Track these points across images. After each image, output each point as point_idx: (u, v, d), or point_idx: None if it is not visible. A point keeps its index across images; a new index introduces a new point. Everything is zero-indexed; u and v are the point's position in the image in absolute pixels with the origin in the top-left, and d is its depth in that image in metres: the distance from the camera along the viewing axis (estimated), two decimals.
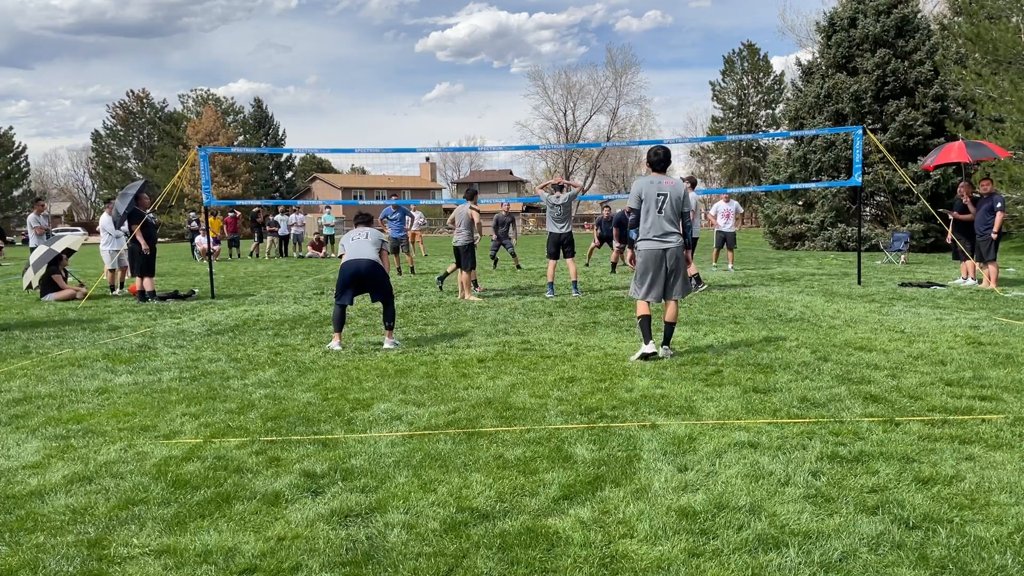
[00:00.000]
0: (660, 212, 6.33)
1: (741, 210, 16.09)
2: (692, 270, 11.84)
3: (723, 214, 15.23)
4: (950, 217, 12.23)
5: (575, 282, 11.64)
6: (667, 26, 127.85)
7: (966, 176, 14.57)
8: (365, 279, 7.36)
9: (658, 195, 6.33)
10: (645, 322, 6.40)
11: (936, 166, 15.90)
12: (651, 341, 6.37)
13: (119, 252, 12.83)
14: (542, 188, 11.88)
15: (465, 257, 11.31)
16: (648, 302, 6.44)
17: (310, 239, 27.44)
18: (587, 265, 17.44)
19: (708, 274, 14.45)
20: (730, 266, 15.80)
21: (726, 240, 15.50)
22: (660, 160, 6.46)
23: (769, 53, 77.76)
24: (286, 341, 7.85)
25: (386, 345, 7.41)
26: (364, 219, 7.88)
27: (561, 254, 11.48)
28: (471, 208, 11.33)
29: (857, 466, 3.73)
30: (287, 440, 4.40)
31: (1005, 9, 19.02)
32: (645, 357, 6.32)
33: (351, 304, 7.50)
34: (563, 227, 11.38)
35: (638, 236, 6.51)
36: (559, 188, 11.49)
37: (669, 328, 6.55)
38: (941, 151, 13.49)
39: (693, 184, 12.15)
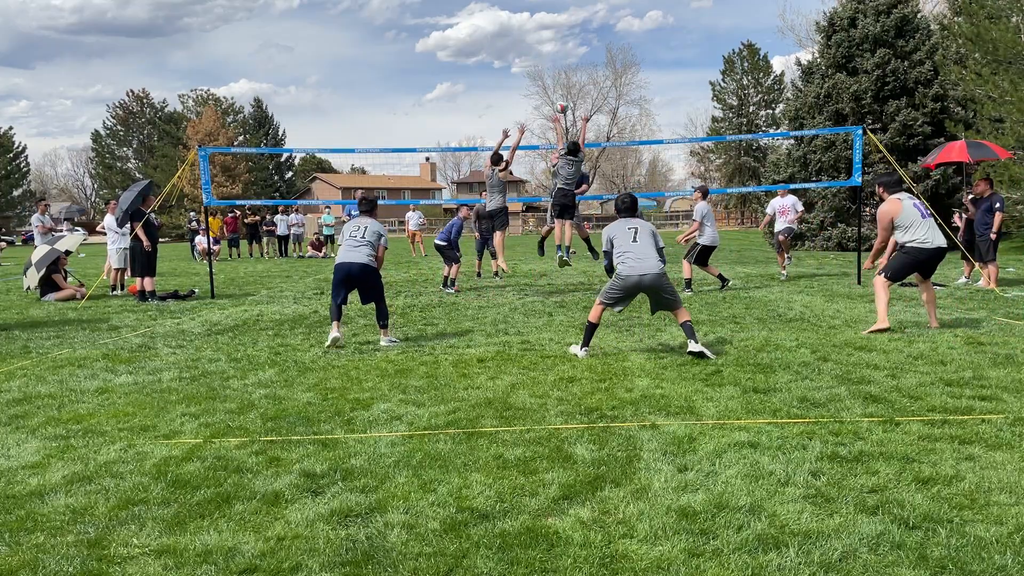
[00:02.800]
0: (636, 241, 6.58)
1: (800, 208, 14.06)
2: (686, 273, 11.81)
3: (779, 211, 14.03)
4: (955, 222, 12.23)
5: (568, 247, 11.13)
6: (668, 26, 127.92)
7: (967, 176, 14.56)
8: (355, 282, 7.43)
9: (628, 228, 6.66)
10: (590, 329, 6.67)
11: (936, 165, 15.92)
12: (586, 348, 6.64)
13: (124, 250, 12.80)
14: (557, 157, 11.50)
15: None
16: (605, 308, 6.70)
17: (310, 239, 27.44)
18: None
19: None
20: (786, 261, 14.38)
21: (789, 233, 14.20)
22: (628, 207, 6.86)
23: (769, 53, 77.75)
24: (286, 341, 7.85)
25: (382, 343, 7.43)
26: (367, 206, 7.85)
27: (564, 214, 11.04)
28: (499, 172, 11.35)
29: (857, 466, 3.73)
30: (287, 440, 4.40)
31: (1005, 9, 19.01)
32: (575, 354, 6.64)
33: (345, 303, 7.55)
34: (572, 188, 11.10)
35: (615, 266, 6.68)
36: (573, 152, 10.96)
37: (686, 327, 6.52)
38: (942, 150, 13.49)
39: (705, 194, 12.02)
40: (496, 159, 11.39)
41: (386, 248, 7.68)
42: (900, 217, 7.33)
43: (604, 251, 6.84)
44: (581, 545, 2.97)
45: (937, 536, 2.96)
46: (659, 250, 6.67)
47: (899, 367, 5.86)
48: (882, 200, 7.58)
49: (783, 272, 14.13)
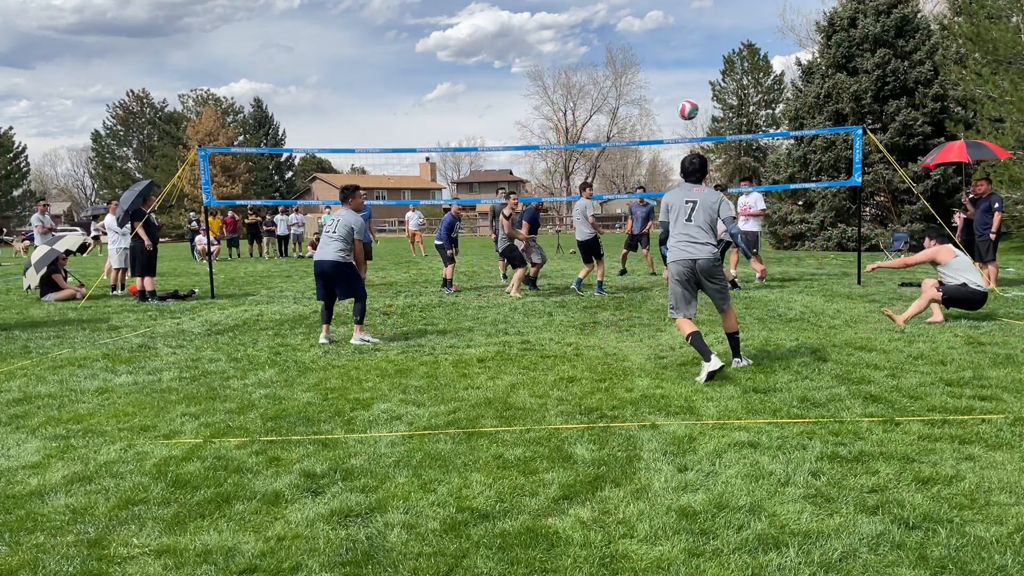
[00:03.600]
0: (690, 220, 5.81)
1: (763, 205, 12.62)
2: (733, 273, 11.77)
3: (740, 209, 12.63)
4: (954, 222, 12.23)
5: (600, 282, 11.84)
6: (669, 26, 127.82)
7: (967, 176, 14.57)
8: (329, 278, 7.51)
9: (687, 201, 5.84)
10: (696, 339, 5.69)
11: (936, 165, 15.93)
12: (713, 356, 5.58)
13: (125, 250, 12.80)
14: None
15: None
16: (689, 318, 5.85)
17: (310, 239, 27.44)
18: (623, 272, 15.64)
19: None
20: (733, 271, 12.74)
21: (746, 240, 12.53)
22: (694, 171, 5.96)
23: (769, 53, 77.77)
24: (286, 341, 7.85)
25: (353, 340, 7.53)
26: (345, 193, 7.83)
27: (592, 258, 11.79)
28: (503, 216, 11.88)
29: (857, 466, 3.73)
30: (287, 440, 4.40)
31: (1005, 9, 19.01)
32: (712, 376, 5.52)
33: (329, 300, 7.69)
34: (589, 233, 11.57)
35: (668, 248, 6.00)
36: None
37: (733, 339, 6.03)
38: (942, 150, 13.50)
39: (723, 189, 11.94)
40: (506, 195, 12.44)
41: (366, 243, 7.61)
42: (947, 265, 8.02)
43: (661, 220, 6.08)
44: (581, 545, 2.97)
45: (937, 536, 2.96)
46: (716, 223, 5.87)
47: (899, 367, 5.86)
48: (927, 246, 8.32)
49: (759, 278, 12.82)
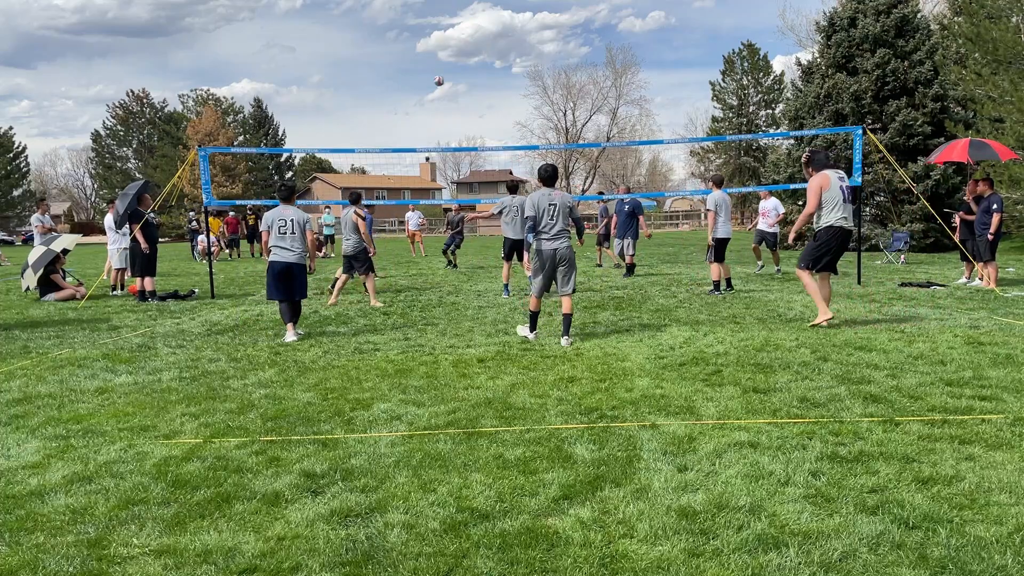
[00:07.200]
0: (552, 218, 7.25)
1: (781, 211, 14.87)
2: (715, 274, 11.34)
3: (760, 213, 14.83)
4: (954, 222, 12.22)
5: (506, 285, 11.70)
6: (670, 26, 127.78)
7: (968, 176, 14.59)
8: (288, 278, 7.89)
9: (549, 204, 7.24)
10: (534, 316, 7.60)
11: (942, 162, 15.95)
12: (535, 332, 7.58)
13: (125, 250, 12.79)
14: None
15: (360, 262, 10.90)
16: (538, 298, 7.51)
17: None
18: (599, 266, 17.74)
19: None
20: (776, 268, 14.68)
21: (764, 239, 14.70)
22: (549, 176, 7.44)
23: (769, 53, 77.78)
24: (286, 341, 7.85)
25: (291, 338, 7.87)
26: (284, 193, 8.17)
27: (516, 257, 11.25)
28: (355, 213, 10.75)
29: (857, 466, 3.73)
30: (287, 440, 4.40)
31: (1005, 9, 19.01)
32: (524, 339, 7.48)
33: (283, 300, 7.96)
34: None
35: (534, 239, 7.32)
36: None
37: (567, 320, 7.30)
38: (945, 148, 13.51)
39: (719, 183, 11.50)
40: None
41: (315, 233, 8.11)
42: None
43: (528, 215, 7.24)
44: (581, 545, 2.97)
45: (937, 536, 2.96)
46: (579, 224, 7.59)
47: (899, 367, 5.86)
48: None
49: (759, 265, 14.98)
